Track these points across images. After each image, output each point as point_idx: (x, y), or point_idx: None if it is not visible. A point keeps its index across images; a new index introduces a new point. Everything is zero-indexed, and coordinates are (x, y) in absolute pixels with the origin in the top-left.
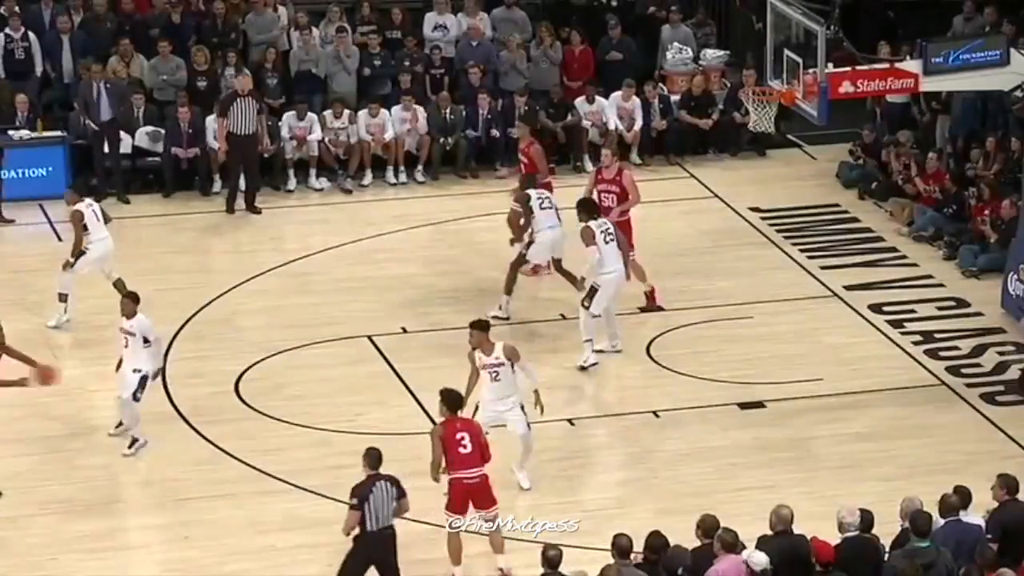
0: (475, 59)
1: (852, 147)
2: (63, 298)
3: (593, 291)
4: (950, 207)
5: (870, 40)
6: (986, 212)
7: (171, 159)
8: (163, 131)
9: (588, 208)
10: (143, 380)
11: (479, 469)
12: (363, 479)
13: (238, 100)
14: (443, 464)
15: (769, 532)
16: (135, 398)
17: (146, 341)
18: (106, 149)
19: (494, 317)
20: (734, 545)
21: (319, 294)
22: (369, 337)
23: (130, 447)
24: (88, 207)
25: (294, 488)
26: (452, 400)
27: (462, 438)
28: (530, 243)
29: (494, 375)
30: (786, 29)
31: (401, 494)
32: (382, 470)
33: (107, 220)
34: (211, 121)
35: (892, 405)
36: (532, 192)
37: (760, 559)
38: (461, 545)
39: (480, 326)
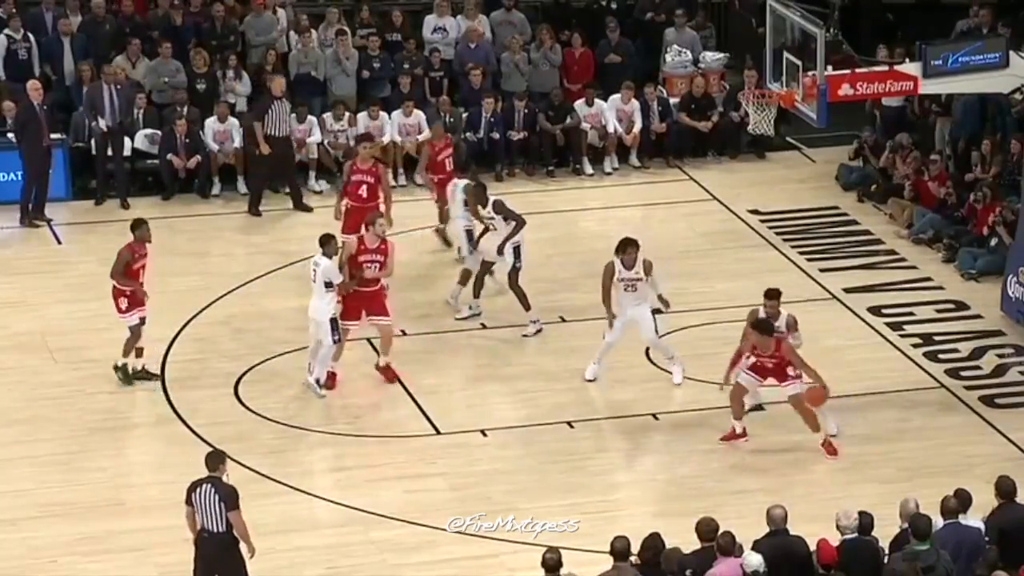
0: (475, 62)
1: (860, 143)
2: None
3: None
4: (959, 210)
5: (869, 42)
6: (993, 214)
7: (168, 165)
8: (160, 133)
9: (633, 242)
10: (333, 323)
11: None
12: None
13: (275, 103)
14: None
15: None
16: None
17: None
18: (109, 152)
19: (535, 333)
20: (730, 548)
21: None
22: (368, 340)
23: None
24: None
25: (293, 490)
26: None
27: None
28: (516, 250)
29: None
30: (785, 32)
31: (228, 506)
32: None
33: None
34: (210, 123)
35: (891, 408)
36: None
37: (752, 561)
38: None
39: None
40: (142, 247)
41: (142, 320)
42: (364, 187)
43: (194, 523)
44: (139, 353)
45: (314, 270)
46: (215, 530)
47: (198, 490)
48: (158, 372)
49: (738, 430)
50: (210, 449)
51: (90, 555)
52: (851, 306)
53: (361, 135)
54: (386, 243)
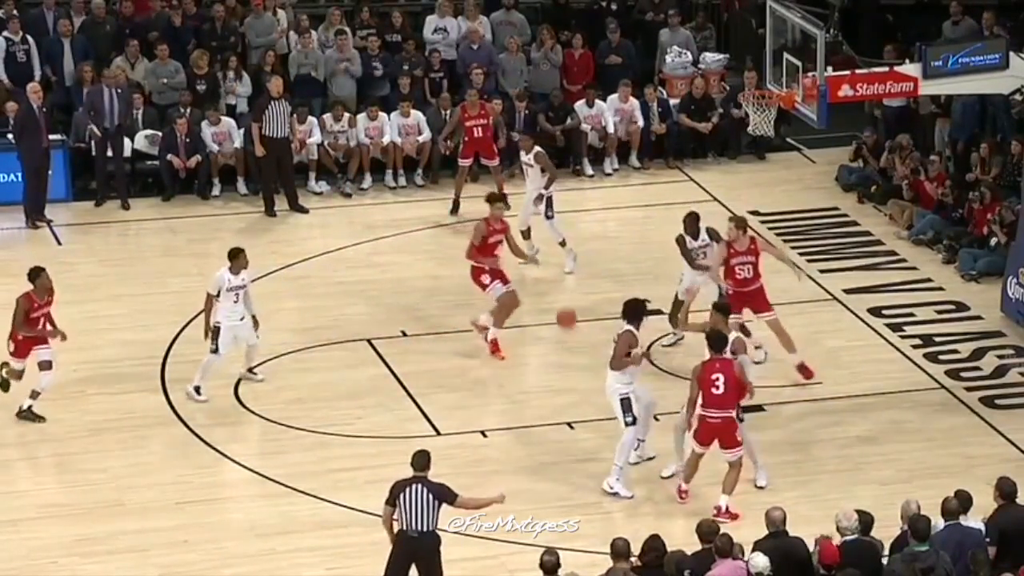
0: (477, 62)
1: (859, 144)
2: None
3: None
4: (957, 211)
5: (869, 44)
6: (991, 214)
7: (168, 165)
8: (160, 134)
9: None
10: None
11: (726, 411)
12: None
13: (272, 103)
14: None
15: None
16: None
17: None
18: (109, 154)
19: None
20: (728, 550)
21: (318, 297)
22: (368, 340)
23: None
24: None
25: (293, 491)
26: (716, 341)
27: (716, 379)
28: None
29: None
30: (786, 33)
31: (448, 500)
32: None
33: None
34: (204, 127)
35: (891, 409)
36: None
37: (758, 562)
38: (696, 469)
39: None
40: (43, 296)
41: (47, 363)
42: (500, 247)
43: (392, 522)
44: (32, 394)
45: (243, 288)
46: (423, 529)
47: (407, 490)
48: (44, 417)
49: (683, 487)
50: (419, 448)
51: (90, 556)
52: (851, 307)
53: (492, 194)
54: (755, 242)
